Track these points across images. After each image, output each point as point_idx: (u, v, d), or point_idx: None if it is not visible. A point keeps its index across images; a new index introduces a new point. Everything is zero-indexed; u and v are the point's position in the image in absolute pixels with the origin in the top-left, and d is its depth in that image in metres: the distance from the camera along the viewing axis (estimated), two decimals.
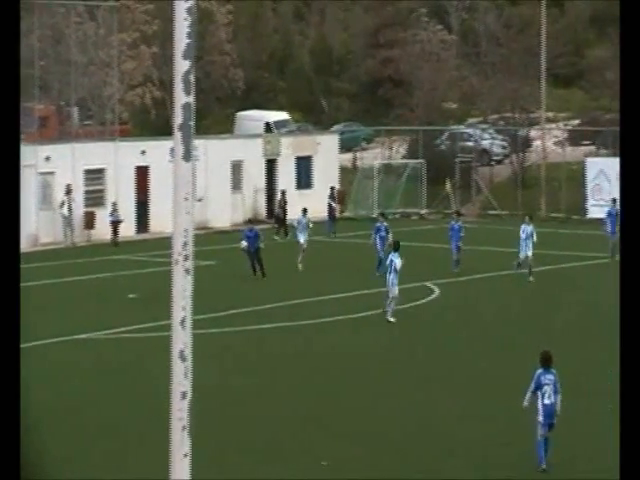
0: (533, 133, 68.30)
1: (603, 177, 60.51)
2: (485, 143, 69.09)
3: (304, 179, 62.16)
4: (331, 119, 76.69)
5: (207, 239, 46.31)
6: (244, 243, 39.87)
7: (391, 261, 32.53)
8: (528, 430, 19.49)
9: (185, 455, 5.67)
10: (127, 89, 63.72)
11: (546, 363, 18.54)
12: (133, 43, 64.61)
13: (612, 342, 29.54)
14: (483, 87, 71.33)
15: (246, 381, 26.20)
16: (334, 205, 57.25)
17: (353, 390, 26.32)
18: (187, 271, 5.64)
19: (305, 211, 45.02)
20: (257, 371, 27.51)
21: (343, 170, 65.22)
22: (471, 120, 75.16)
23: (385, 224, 42.22)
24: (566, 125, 72.59)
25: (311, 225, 44.64)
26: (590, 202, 60.75)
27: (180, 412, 5.67)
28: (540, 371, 18.53)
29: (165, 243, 35.33)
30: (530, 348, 26.88)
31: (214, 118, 73.06)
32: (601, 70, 74.19)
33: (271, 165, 60.72)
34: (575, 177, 62.00)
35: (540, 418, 18.57)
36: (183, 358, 5.67)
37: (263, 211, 59.69)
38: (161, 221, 49.84)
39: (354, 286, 38.41)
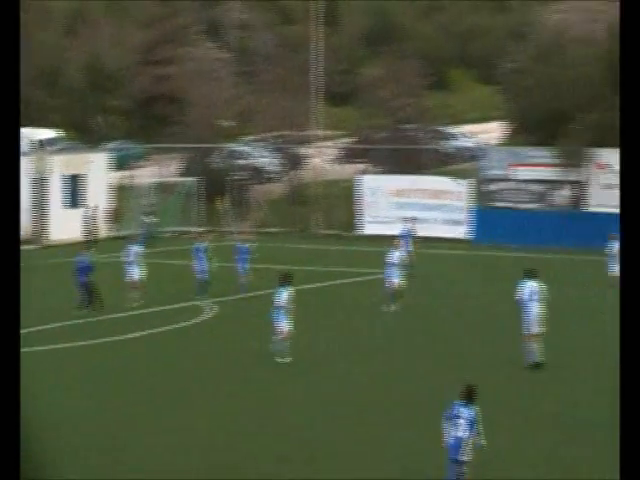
0: (308, 151, 69.30)
1: (376, 195, 61.87)
2: (260, 161, 70.04)
3: (74, 197, 61.18)
4: (105, 137, 76.14)
5: None
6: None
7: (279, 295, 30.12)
8: None
9: None
10: None
11: (468, 397, 17.59)
12: None
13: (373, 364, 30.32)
14: (259, 105, 72.28)
15: None
16: (93, 224, 58.34)
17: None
18: None
19: None
20: None
21: (118, 188, 65.17)
22: (246, 138, 75.75)
23: (205, 244, 41.57)
24: (340, 143, 73.90)
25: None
26: (366, 219, 62.03)
27: None
28: (458, 403, 17.64)
29: None
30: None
31: None
32: (374, 89, 75.71)
33: (40, 183, 59.85)
34: (349, 194, 63.12)
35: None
36: None
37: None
38: None
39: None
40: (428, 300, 38.91)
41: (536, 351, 28.19)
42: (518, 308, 28.68)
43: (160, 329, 34.82)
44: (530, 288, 28.63)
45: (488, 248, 54.43)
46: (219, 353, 31.98)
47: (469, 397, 17.43)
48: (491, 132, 72.12)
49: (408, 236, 45.42)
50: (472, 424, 17.18)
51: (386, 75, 76.33)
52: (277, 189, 68.95)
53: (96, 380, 28.20)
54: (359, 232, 61.61)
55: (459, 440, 17.04)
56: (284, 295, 29.44)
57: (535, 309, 28.31)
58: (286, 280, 29.99)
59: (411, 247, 44.53)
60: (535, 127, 62.55)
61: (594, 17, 70.69)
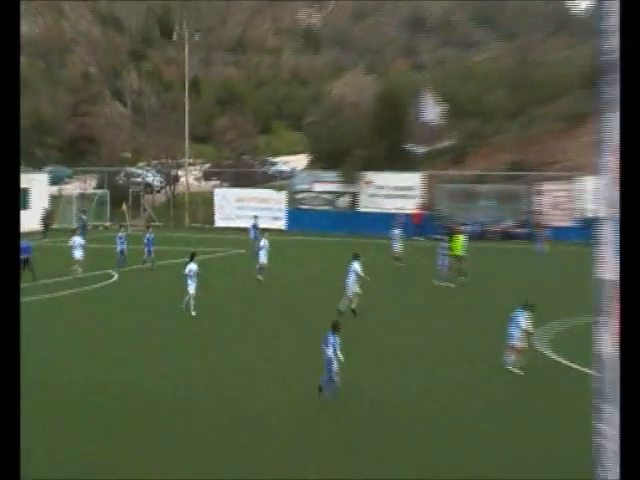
0: (181, 173, 69.62)
1: (225, 201, 62.68)
2: (149, 179, 69.99)
3: (23, 203, 58.93)
4: (44, 163, 74.86)
5: None
6: None
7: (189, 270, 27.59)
8: None
9: None
10: None
11: (334, 329, 16.74)
12: None
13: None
14: (147, 143, 72.09)
15: None
16: (47, 220, 57.59)
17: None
18: None
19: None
20: None
21: (53, 197, 64.22)
22: (140, 164, 75.51)
23: (124, 233, 39.57)
24: (202, 168, 74.32)
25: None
26: (218, 217, 62.69)
27: None
28: (330, 334, 16.70)
29: None
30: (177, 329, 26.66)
31: None
32: (223, 133, 76.70)
33: None
34: (207, 201, 63.65)
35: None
36: None
37: None
38: None
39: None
40: (276, 267, 37.22)
41: (349, 304, 26.16)
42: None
43: (87, 288, 33.48)
44: (354, 267, 26.21)
45: (296, 234, 55.67)
46: (134, 303, 30.77)
47: (334, 329, 16.74)
48: (299, 161, 72.67)
49: (255, 228, 45.94)
50: (335, 347, 16.53)
51: (231, 124, 77.31)
52: (160, 198, 68.95)
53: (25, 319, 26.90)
54: (214, 225, 62.38)
55: (329, 357, 16.48)
56: (192, 267, 27.42)
57: (352, 284, 26.13)
58: (192, 257, 28.08)
59: (257, 234, 44.84)
60: (326, 158, 63.41)
61: (362, 89, 72.87)
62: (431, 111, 58.75)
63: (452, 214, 57.09)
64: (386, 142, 61.06)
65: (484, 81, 76.73)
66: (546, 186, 55.45)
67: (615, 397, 4.06)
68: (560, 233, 49.63)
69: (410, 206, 56.43)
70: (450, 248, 34.52)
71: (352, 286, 26.07)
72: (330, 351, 16.55)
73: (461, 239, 34.90)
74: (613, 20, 4.50)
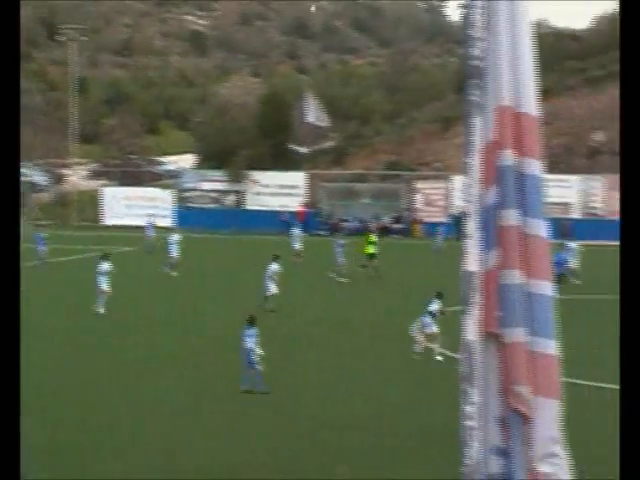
0: (68, 172, 67.73)
1: (113, 200, 61.48)
2: (35, 178, 67.91)
3: None
4: None
5: None
6: None
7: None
8: None
9: None
10: None
11: (250, 322, 16.70)
12: None
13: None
14: (35, 143, 69.89)
15: None
16: None
17: None
18: None
19: None
20: None
21: None
22: (27, 164, 73.16)
23: (43, 234, 37.87)
24: (90, 167, 72.65)
25: None
26: (107, 214, 61.31)
27: None
28: (247, 327, 16.63)
29: None
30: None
31: None
32: (112, 133, 75.18)
33: None
34: (95, 200, 62.21)
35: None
36: None
37: None
38: None
39: None
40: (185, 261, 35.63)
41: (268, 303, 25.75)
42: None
43: None
44: (273, 268, 26.07)
45: (184, 231, 55.00)
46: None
47: (251, 322, 16.66)
48: (186, 161, 71.97)
49: (151, 225, 45.27)
50: (254, 337, 16.45)
51: (119, 124, 75.90)
52: (46, 197, 66.98)
53: None
54: (103, 224, 61.02)
55: (248, 350, 16.43)
56: (105, 266, 26.14)
57: (270, 284, 25.68)
58: (106, 256, 26.77)
59: (153, 232, 44.41)
60: (213, 158, 63.10)
61: (248, 91, 72.73)
62: (314, 113, 59.21)
63: (334, 211, 57.75)
64: (271, 142, 61.20)
65: (363, 85, 77.85)
66: (421, 185, 56.78)
67: (478, 380, 4.18)
68: (434, 228, 50.86)
69: (294, 204, 56.74)
70: (363, 246, 35.08)
71: (271, 286, 25.90)
72: (249, 343, 16.52)
73: (373, 237, 35.35)
74: (478, 27, 4.62)
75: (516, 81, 4.52)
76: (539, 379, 4.21)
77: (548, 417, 4.22)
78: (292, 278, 29.79)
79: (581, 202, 53.47)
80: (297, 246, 39.48)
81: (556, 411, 4.25)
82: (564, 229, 49.72)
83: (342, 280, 32.71)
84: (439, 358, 19.43)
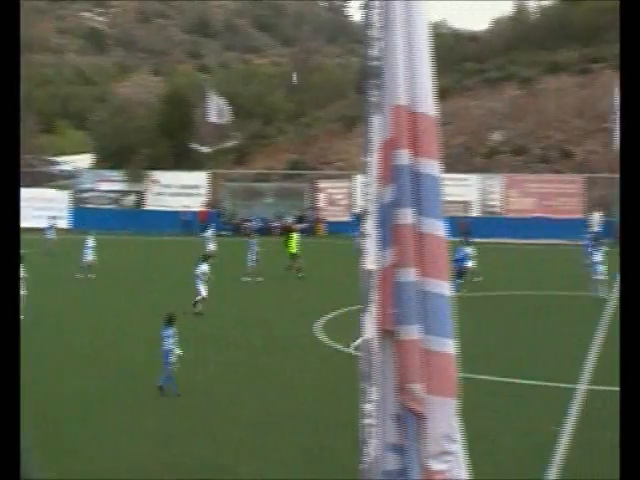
0: None
1: None
2: None
3: None
4: None
5: None
6: None
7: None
8: None
9: None
10: None
11: (168, 322, 16.47)
12: None
13: None
14: None
15: None
16: None
17: None
18: None
19: None
20: None
21: None
22: None
23: None
24: None
25: None
26: None
27: None
28: (165, 327, 16.41)
29: None
30: None
31: None
32: None
33: None
34: None
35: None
36: None
37: None
38: None
39: None
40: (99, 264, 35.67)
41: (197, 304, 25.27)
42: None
43: None
44: (202, 269, 25.58)
45: (82, 233, 53.78)
46: None
47: (169, 322, 16.48)
48: (83, 160, 70.58)
49: (52, 228, 44.18)
50: (172, 338, 16.32)
51: None
52: None
53: None
54: None
55: (167, 350, 16.26)
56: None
57: (201, 285, 25.30)
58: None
59: (54, 235, 43.56)
60: (111, 157, 61.82)
61: (148, 90, 71.85)
62: (216, 112, 58.86)
63: (237, 211, 57.55)
64: (172, 142, 60.54)
65: (266, 84, 77.81)
66: (324, 184, 57.15)
67: (377, 378, 4.23)
68: (338, 227, 51.30)
69: (196, 204, 56.27)
70: (285, 246, 34.92)
71: (202, 288, 25.39)
72: (167, 343, 16.37)
73: (295, 237, 35.16)
74: (376, 27, 4.68)
75: (412, 81, 4.57)
76: (433, 377, 4.24)
77: (442, 415, 4.26)
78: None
79: (480, 200, 54.78)
80: (211, 247, 39.03)
81: (451, 409, 4.29)
82: (463, 227, 51.02)
83: (258, 279, 32.67)
84: None
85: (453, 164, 58.24)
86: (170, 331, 16.46)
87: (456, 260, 28.83)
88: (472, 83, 61.21)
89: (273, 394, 16.67)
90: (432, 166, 4.52)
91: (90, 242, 35.22)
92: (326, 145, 62.11)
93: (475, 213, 54.19)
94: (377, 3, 4.66)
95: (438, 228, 4.40)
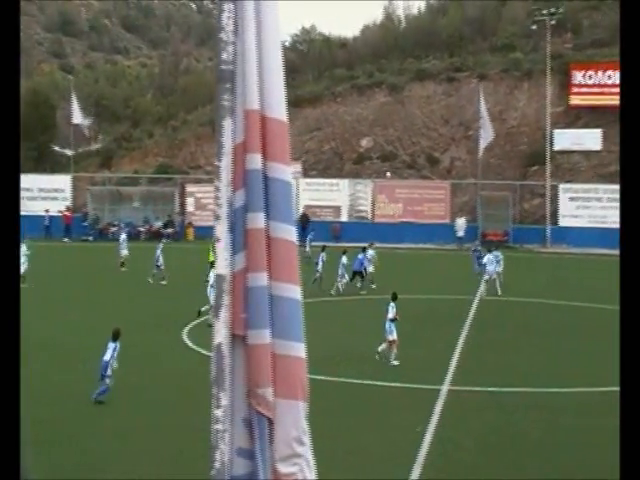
0: None
1: None
2: None
3: None
4: None
5: None
6: None
7: None
8: None
9: None
10: None
11: (114, 336, 16.37)
12: None
13: None
14: None
15: None
16: None
17: None
18: None
19: None
20: None
21: None
22: None
23: None
24: None
25: None
26: None
27: None
28: (110, 341, 16.30)
29: None
30: None
31: None
32: None
33: None
34: None
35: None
36: None
37: None
38: None
39: None
40: None
41: None
42: None
43: None
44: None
45: None
46: None
47: (115, 336, 16.41)
48: None
49: None
50: (115, 352, 16.25)
51: None
52: None
53: None
54: None
55: (106, 362, 16.19)
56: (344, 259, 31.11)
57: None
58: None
59: None
60: None
61: None
62: (79, 114, 57.44)
63: (102, 215, 56.34)
64: (33, 144, 58.62)
65: (134, 86, 76.54)
66: (192, 188, 56.76)
67: (227, 383, 4.25)
68: (207, 232, 51.01)
69: (59, 208, 54.74)
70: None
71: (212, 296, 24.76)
72: (108, 356, 16.23)
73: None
74: (228, 30, 4.72)
75: (264, 86, 4.61)
76: (283, 381, 4.29)
77: (291, 418, 4.30)
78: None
79: (350, 205, 55.76)
80: (123, 253, 37.77)
81: (300, 413, 4.34)
82: (334, 231, 52.12)
83: (163, 283, 32.77)
84: (395, 363, 19.61)
85: (324, 169, 59.13)
86: (113, 345, 16.37)
87: (357, 264, 31.20)
88: (342, 89, 62.16)
89: (133, 404, 16.55)
90: (283, 171, 4.58)
91: (23, 249, 33.83)
92: (195, 149, 61.69)
93: (345, 218, 55.16)
94: (228, 6, 4.69)
95: (289, 232, 4.47)
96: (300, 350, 4.38)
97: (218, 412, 4.15)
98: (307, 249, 38.83)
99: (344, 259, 31.71)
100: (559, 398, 17.41)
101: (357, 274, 31.99)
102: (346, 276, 31.46)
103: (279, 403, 4.28)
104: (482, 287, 30.80)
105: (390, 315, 19.85)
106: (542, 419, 15.82)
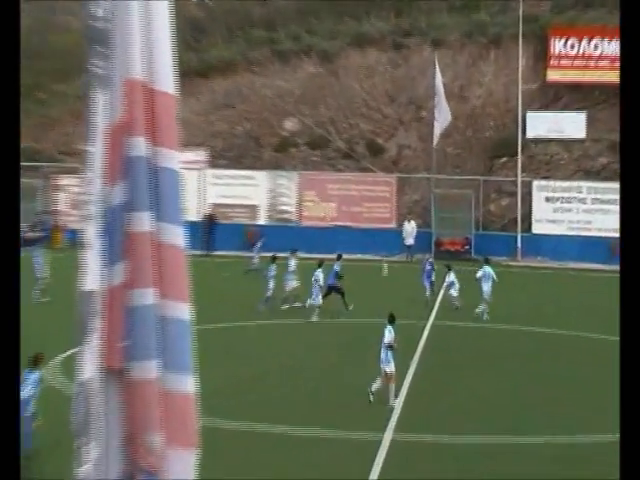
0: None
1: None
2: None
3: None
4: None
5: None
6: None
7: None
8: None
9: None
10: None
11: (34, 364, 16.37)
12: None
13: None
14: None
15: None
16: None
17: None
18: None
19: None
20: None
21: None
22: None
23: None
24: None
25: None
26: None
27: None
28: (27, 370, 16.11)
29: None
30: None
31: None
32: None
33: None
34: None
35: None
36: None
37: None
38: None
39: None
40: None
41: None
42: None
43: None
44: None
45: None
46: None
47: (35, 364, 16.43)
48: None
49: None
50: (37, 383, 16.27)
51: None
52: None
53: None
54: None
55: (27, 396, 15.81)
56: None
57: None
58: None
59: None
60: None
61: None
62: None
63: None
64: None
65: None
66: (65, 180, 55.67)
67: (98, 432, 4.22)
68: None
69: None
70: None
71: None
72: (27, 390, 15.79)
73: None
74: None
75: (150, 51, 4.57)
76: (172, 424, 4.31)
77: (182, 468, 4.34)
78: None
79: (269, 204, 55.49)
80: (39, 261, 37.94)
81: (191, 461, 4.37)
82: (250, 237, 51.26)
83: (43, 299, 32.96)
84: (393, 403, 19.62)
85: (237, 158, 58.84)
86: (34, 375, 16.26)
87: (330, 278, 32.45)
88: (260, 55, 62.10)
89: None
90: (171, 158, 4.55)
91: None
92: (69, 130, 60.54)
93: (264, 220, 54.86)
94: None
95: (177, 236, 4.45)
96: (190, 384, 4.40)
97: (85, 469, 4.13)
98: (255, 260, 38.81)
99: (319, 274, 31.73)
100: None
101: (333, 289, 32.34)
102: (319, 297, 31.36)
103: (170, 451, 4.30)
104: (482, 307, 32.29)
105: (386, 340, 19.78)
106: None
